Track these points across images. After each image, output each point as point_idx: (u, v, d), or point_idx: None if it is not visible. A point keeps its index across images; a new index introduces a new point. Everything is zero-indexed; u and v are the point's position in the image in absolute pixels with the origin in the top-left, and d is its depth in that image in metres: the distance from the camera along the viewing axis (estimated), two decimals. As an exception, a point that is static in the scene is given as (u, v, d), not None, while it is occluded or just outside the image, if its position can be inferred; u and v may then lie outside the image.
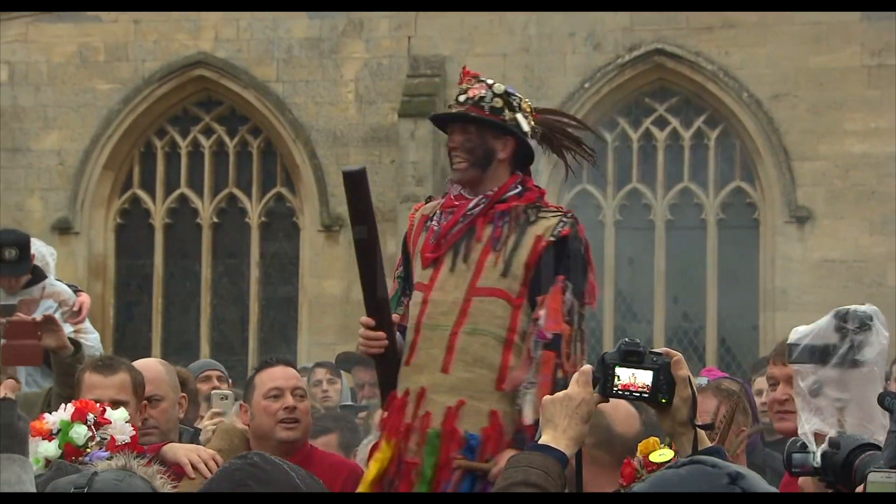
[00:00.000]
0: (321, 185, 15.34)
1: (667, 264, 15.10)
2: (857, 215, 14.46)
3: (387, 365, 4.68)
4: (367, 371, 8.31)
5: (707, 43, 14.81)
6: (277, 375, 5.13)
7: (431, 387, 4.57)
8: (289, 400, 5.05)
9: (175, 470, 4.55)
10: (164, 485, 3.05)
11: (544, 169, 15.10)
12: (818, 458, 3.33)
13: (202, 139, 15.93)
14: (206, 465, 4.80)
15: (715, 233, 15.04)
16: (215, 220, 15.91)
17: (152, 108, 15.81)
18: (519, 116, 4.70)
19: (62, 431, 4.38)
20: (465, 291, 4.60)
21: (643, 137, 15.20)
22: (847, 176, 14.51)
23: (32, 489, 3.04)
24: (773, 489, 2.50)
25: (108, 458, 3.68)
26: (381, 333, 4.61)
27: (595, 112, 15.14)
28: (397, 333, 4.69)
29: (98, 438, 4.40)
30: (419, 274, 4.71)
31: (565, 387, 4.42)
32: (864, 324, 4.12)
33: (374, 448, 4.68)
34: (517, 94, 4.75)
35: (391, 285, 4.84)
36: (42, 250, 6.68)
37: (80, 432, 4.37)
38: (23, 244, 6.39)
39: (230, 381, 8.06)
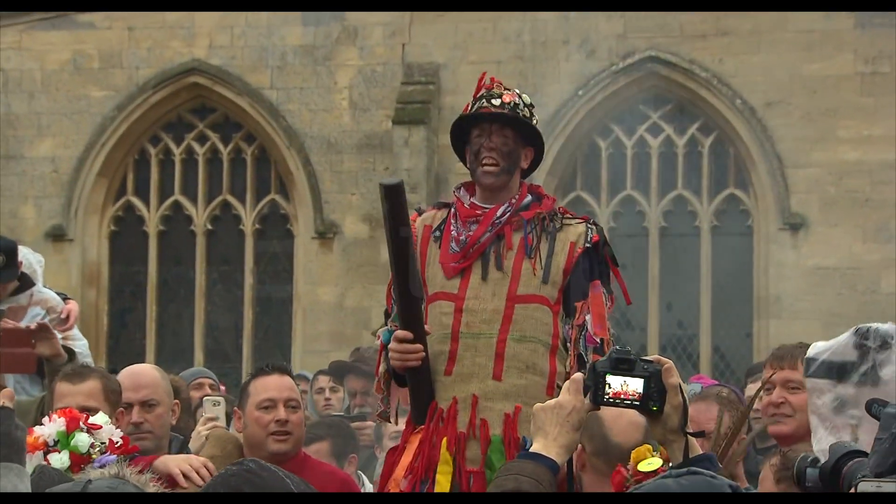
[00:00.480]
0: (315, 191, 15.34)
1: (661, 271, 15.11)
2: (851, 223, 14.48)
3: (421, 376, 4.64)
4: (359, 380, 8.31)
5: (701, 50, 14.84)
6: (271, 385, 5.08)
7: (484, 394, 4.57)
8: (280, 413, 5.01)
9: (168, 480, 4.56)
10: (156, 492, 3.06)
11: (537, 175, 15.14)
12: None
13: (196, 146, 15.93)
14: (197, 473, 4.80)
15: (709, 240, 15.05)
16: (209, 227, 15.90)
17: (146, 116, 15.81)
18: (537, 126, 4.79)
19: (60, 443, 4.39)
20: (504, 299, 4.61)
21: (637, 144, 15.21)
22: (840, 183, 14.53)
23: (23, 488, 3.04)
24: None
25: (116, 461, 3.70)
26: (418, 346, 4.59)
27: (589, 119, 15.17)
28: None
29: (97, 444, 4.42)
30: (442, 284, 4.69)
31: None
32: (886, 342, 4.11)
33: (422, 460, 4.57)
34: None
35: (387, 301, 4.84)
36: (29, 258, 6.67)
37: (83, 441, 4.40)
38: (10, 251, 6.38)
39: (222, 389, 8.06)
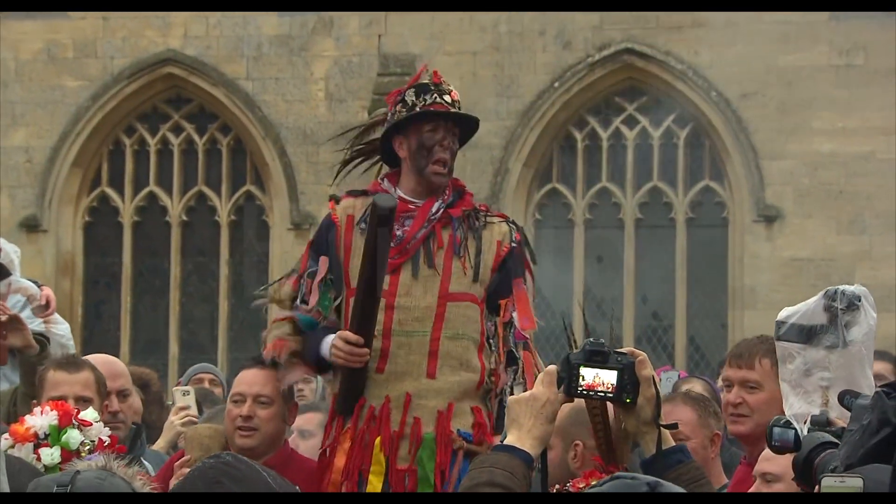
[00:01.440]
0: (291, 182, 15.31)
1: (636, 263, 15.14)
2: (825, 214, 14.53)
3: (359, 376, 4.65)
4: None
5: (677, 42, 14.86)
6: (244, 380, 4.98)
7: (417, 392, 4.59)
8: (245, 408, 4.88)
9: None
10: (143, 486, 3.06)
11: (513, 167, 15.15)
12: (802, 433, 3.37)
13: (171, 137, 15.88)
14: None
15: (684, 231, 15.09)
16: (184, 218, 15.86)
17: (121, 106, 15.75)
18: None
19: (51, 437, 4.39)
20: (436, 296, 4.63)
21: (613, 136, 15.23)
22: (815, 175, 14.58)
23: (4, 479, 3.03)
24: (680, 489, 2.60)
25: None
26: (366, 350, 4.59)
27: (565, 111, 15.18)
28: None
29: (88, 443, 4.42)
30: None
31: None
32: (853, 304, 4.16)
33: (351, 458, 4.59)
34: None
35: (290, 284, 4.81)
36: (6, 248, 6.72)
37: (74, 437, 4.40)
38: None
39: (224, 384, 8.00)
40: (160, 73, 15.66)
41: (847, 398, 3.24)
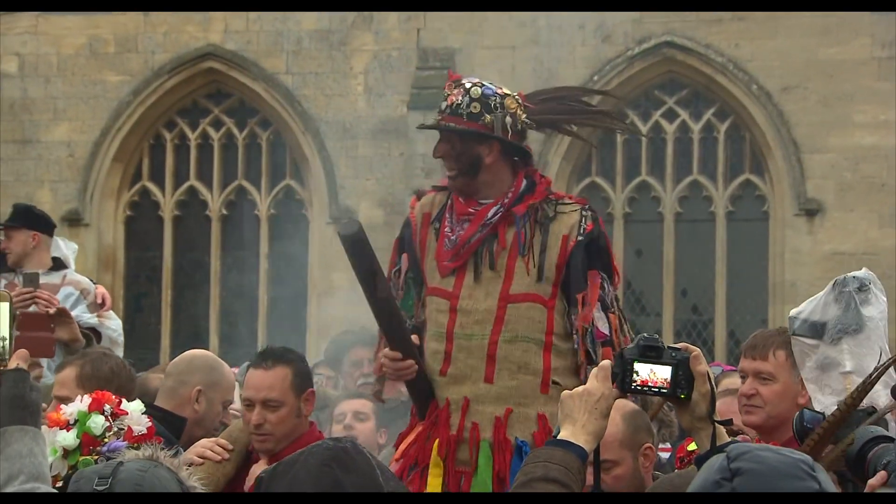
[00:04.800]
0: (330, 177, 15.34)
1: (676, 257, 15.09)
2: (867, 208, 14.44)
3: (419, 384, 4.66)
4: (365, 348, 8.07)
5: (717, 35, 14.79)
6: (251, 383, 4.89)
7: (475, 397, 4.56)
8: (255, 416, 4.82)
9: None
10: (189, 476, 3.06)
11: (552, 160, 15.11)
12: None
13: (211, 131, 15.94)
14: (212, 451, 4.83)
15: (724, 225, 15.03)
16: (224, 212, 15.92)
17: (162, 101, 15.82)
18: (499, 116, 4.61)
19: (79, 422, 4.40)
20: (496, 299, 4.58)
21: (652, 130, 15.19)
22: (857, 168, 14.49)
23: (45, 461, 3.04)
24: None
25: (126, 448, 3.71)
26: (410, 361, 4.57)
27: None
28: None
29: (115, 429, 4.43)
30: (438, 280, 4.68)
31: None
32: (864, 285, 4.19)
33: (416, 451, 4.62)
34: (497, 93, 4.65)
35: (391, 282, 4.76)
36: (61, 245, 6.97)
37: (97, 422, 4.39)
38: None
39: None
40: (200, 68, 15.72)
41: (898, 389, 3.23)
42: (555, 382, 4.57)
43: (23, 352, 3.26)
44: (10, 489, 2.94)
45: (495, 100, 4.63)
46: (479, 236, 4.62)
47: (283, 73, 15.51)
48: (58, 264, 6.86)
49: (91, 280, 7.02)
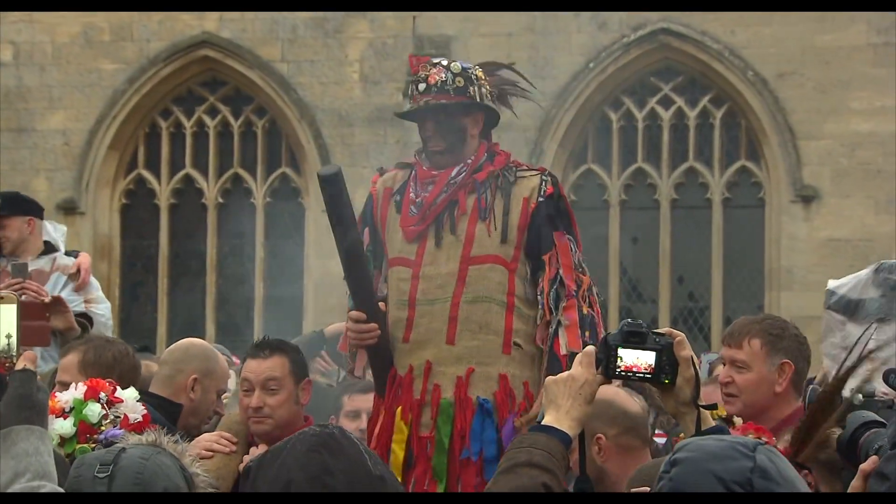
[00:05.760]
0: (326, 164, 15.33)
1: (672, 244, 15.09)
2: (863, 194, 14.44)
3: (381, 352, 4.70)
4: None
5: (712, 22, 14.77)
6: (250, 368, 4.93)
7: (437, 360, 4.61)
8: (254, 399, 4.86)
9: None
10: (192, 463, 3.06)
11: (548, 147, 15.11)
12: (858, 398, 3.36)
13: (207, 119, 15.93)
14: (218, 443, 4.84)
15: (720, 212, 15.03)
16: (220, 200, 15.92)
17: (157, 89, 15.80)
18: (479, 88, 4.74)
19: (75, 409, 4.41)
20: (458, 262, 4.64)
21: (648, 117, 15.18)
22: (853, 155, 14.48)
23: (51, 460, 3.05)
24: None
25: (122, 436, 3.71)
26: (373, 325, 4.64)
27: (600, 91, 15.12)
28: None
29: (111, 417, 4.43)
30: (400, 248, 4.74)
31: (592, 325, 4.49)
32: None
33: (382, 430, 4.66)
34: (470, 66, 4.78)
35: None
36: (49, 229, 6.92)
37: (94, 410, 4.41)
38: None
39: (235, 361, 8.05)
40: (196, 56, 15.70)
41: (892, 377, 3.22)
42: (516, 344, 4.61)
43: (31, 353, 3.30)
44: (15, 487, 2.96)
45: (472, 71, 4.76)
46: (445, 197, 4.69)
47: (278, 60, 15.49)
48: (48, 247, 6.86)
49: (75, 252, 6.99)
